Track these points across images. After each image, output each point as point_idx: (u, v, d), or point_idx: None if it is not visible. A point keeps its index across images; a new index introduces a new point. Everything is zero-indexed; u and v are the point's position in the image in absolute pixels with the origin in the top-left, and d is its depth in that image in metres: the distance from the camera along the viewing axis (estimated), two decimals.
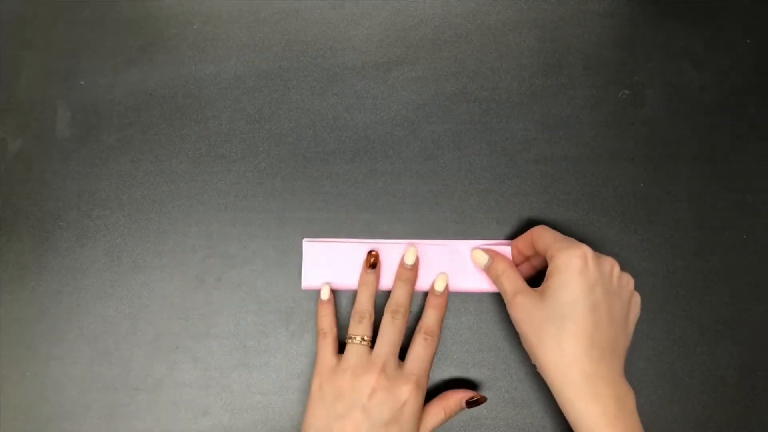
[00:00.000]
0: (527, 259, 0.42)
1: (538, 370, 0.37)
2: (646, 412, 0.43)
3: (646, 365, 0.43)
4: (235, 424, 0.42)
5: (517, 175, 0.45)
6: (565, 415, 0.35)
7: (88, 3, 0.47)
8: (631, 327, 0.38)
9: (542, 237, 0.39)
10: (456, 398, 0.40)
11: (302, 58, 0.46)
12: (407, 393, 0.38)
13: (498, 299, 0.44)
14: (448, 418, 0.40)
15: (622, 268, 0.39)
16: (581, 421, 0.34)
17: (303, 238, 0.44)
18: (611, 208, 0.45)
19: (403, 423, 0.37)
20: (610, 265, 0.37)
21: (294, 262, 0.44)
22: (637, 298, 0.39)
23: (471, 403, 0.40)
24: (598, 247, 0.44)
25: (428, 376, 0.40)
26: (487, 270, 0.42)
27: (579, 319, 0.35)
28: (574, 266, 0.35)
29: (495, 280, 0.41)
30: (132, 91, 0.46)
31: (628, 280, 0.38)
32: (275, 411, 0.43)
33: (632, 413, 0.34)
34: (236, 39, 0.47)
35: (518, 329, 0.38)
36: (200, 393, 0.43)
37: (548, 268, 0.37)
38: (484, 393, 0.43)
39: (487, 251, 0.42)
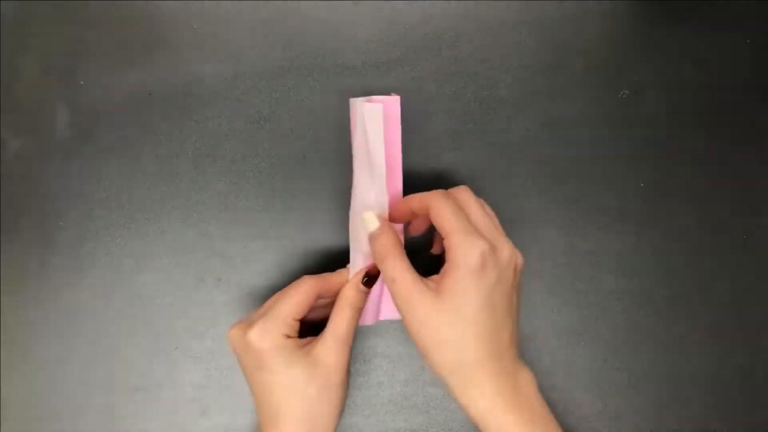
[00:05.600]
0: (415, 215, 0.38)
1: (432, 369, 0.35)
2: (645, 412, 0.43)
3: (646, 365, 0.43)
4: (235, 424, 0.42)
5: (517, 175, 0.45)
6: (468, 413, 0.34)
7: (88, 3, 0.47)
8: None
9: (440, 216, 0.34)
10: (351, 287, 0.37)
11: (302, 58, 0.46)
12: (252, 335, 0.35)
13: None
14: (357, 310, 0.37)
15: (622, 269, 0.39)
16: (486, 418, 0.34)
17: (302, 238, 0.44)
18: (611, 208, 0.45)
19: (263, 361, 0.35)
20: (508, 256, 0.35)
21: (294, 261, 0.44)
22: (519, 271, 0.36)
23: (366, 282, 0.38)
24: (598, 247, 0.44)
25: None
26: (371, 240, 0.37)
27: (482, 323, 0.33)
28: (474, 268, 0.33)
29: (377, 258, 0.36)
30: (132, 91, 0.46)
31: (520, 261, 0.36)
32: None
33: (531, 398, 0.35)
34: (236, 39, 0.47)
35: (410, 327, 0.34)
36: (200, 393, 0.43)
37: (446, 260, 0.34)
38: None
39: (381, 218, 0.37)
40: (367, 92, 0.46)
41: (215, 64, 0.46)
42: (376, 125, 0.38)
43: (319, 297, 0.38)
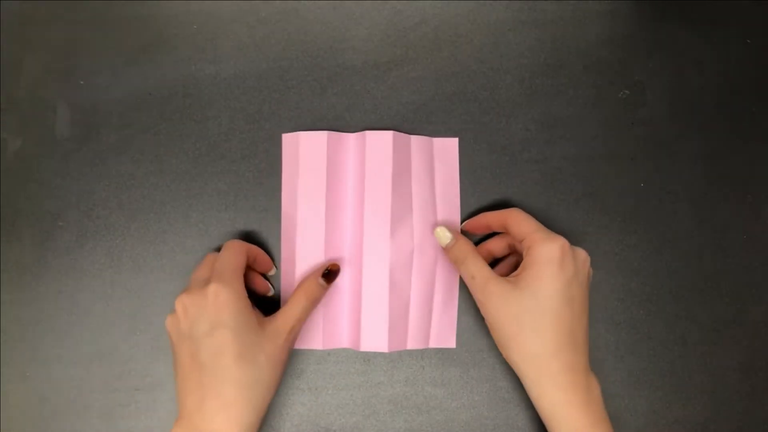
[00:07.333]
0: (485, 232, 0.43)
1: (508, 359, 0.37)
2: (646, 412, 0.43)
3: (646, 365, 0.43)
4: None
5: (517, 175, 0.45)
6: (538, 404, 0.36)
7: (88, 3, 0.47)
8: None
9: (520, 223, 0.38)
10: (311, 279, 0.40)
11: (302, 58, 0.46)
12: (213, 289, 0.35)
13: None
14: (313, 302, 0.39)
15: (622, 268, 0.39)
16: (556, 411, 0.35)
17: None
18: (611, 208, 0.45)
19: (222, 318, 0.34)
20: (584, 257, 0.38)
21: None
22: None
23: (326, 276, 0.40)
24: (598, 247, 0.44)
25: (237, 278, 0.37)
26: (448, 250, 0.41)
27: (560, 312, 0.35)
28: (554, 259, 0.35)
29: (457, 262, 0.40)
30: (132, 91, 0.46)
31: (590, 269, 0.39)
32: (275, 411, 0.43)
33: (599, 401, 0.36)
34: (236, 39, 0.47)
35: (489, 318, 0.37)
36: None
37: (525, 259, 0.37)
38: (484, 393, 0.43)
39: (451, 230, 0.41)
40: (367, 92, 0.46)
41: (215, 64, 0.46)
42: (452, 157, 0.45)
43: (247, 258, 0.40)
